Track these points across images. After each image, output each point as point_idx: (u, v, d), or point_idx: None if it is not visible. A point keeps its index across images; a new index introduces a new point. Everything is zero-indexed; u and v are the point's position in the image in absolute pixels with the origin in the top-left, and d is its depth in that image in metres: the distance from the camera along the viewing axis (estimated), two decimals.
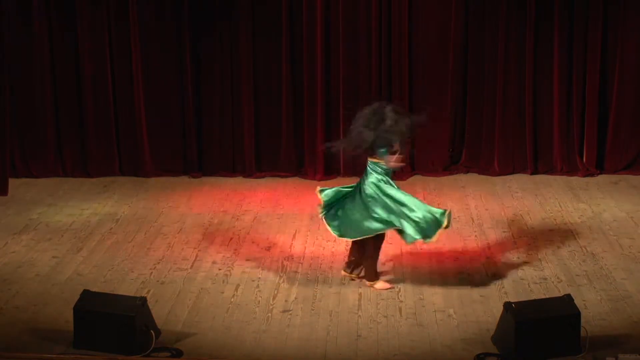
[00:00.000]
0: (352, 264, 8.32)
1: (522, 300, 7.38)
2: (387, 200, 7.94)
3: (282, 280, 8.36)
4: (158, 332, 7.12)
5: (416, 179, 11.59)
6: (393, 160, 7.99)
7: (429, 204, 10.47)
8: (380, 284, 8.13)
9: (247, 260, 8.85)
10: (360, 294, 8.00)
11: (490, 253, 8.96)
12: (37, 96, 11.69)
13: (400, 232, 7.97)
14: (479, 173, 11.75)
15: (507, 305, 6.94)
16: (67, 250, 9.16)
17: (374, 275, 8.15)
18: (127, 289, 8.09)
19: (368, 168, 8.02)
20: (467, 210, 10.26)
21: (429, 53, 11.67)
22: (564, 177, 11.57)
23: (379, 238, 8.11)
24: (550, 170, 11.75)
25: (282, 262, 8.77)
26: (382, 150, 7.93)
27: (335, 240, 9.32)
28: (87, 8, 11.48)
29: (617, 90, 11.55)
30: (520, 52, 11.56)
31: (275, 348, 7.06)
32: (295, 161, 11.85)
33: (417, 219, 7.87)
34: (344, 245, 9.17)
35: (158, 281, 8.35)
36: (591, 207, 10.37)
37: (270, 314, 7.63)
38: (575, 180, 11.47)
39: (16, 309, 7.75)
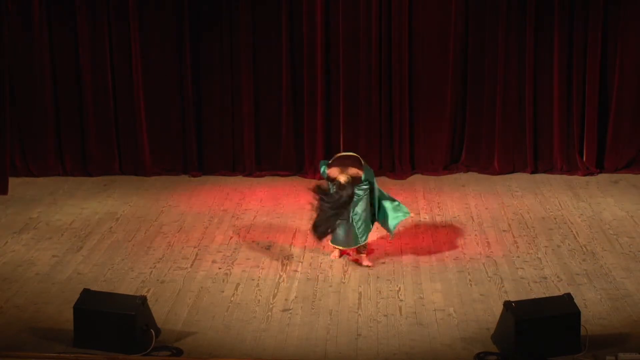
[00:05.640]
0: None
1: (522, 299, 7.39)
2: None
3: (282, 279, 8.36)
4: (158, 331, 7.13)
5: (416, 178, 11.57)
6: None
7: (428, 203, 10.65)
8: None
9: (247, 259, 8.85)
10: (360, 293, 8.01)
11: (490, 252, 8.96)
12: (37, 96, 11.67)
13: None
14: (479, 172, 11.73)
15: (507, 304, 6.94)
16: (67, 249, 9.17)
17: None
18: (127, 288, 8.09)
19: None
20: (467, 210, 10.26)
21: (429, 53, 11.66)
22: (564, 176, 11.56)
23: None
24: (550, 169, 11.74)
25: (282, 262, 8.77)
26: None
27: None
28: (87, 8, 11.47)
29: (617, 89, 11.53)
30: (520, 52, 11.54)
31: (275, 347, 7.06)
32: (295, 161, 11.84)
33: None
34: None
35: (158, 280, 8.35)
36: (591, 206, 10.37)
37: (270, 313, 7.63)
38: (575, 179, 11.46)
39: (16, 308, 7.75)
